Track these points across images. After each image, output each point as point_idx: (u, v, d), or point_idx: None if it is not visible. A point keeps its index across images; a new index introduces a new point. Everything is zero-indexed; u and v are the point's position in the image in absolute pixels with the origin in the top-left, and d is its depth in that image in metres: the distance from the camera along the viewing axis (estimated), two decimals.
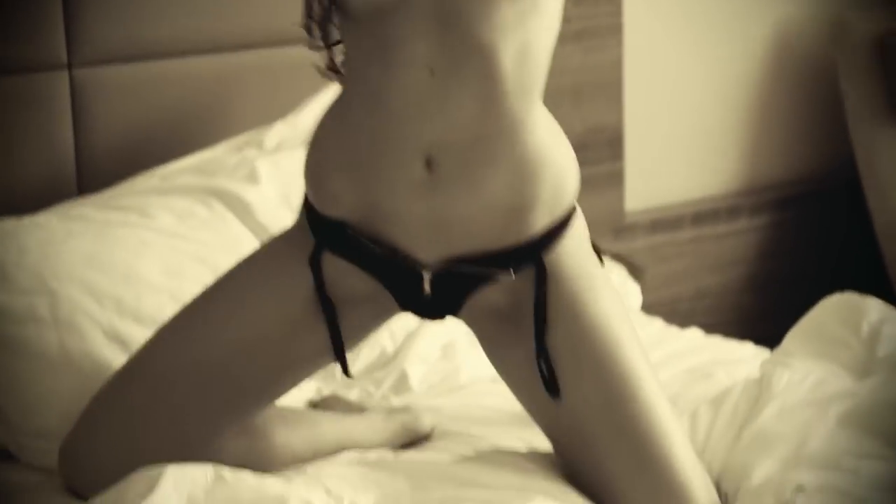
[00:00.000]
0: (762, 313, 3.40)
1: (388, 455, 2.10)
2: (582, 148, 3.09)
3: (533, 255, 1.88)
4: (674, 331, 2.71)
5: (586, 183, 3.15)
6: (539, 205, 1.87)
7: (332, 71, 1.93)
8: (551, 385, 1.89)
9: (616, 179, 3.16)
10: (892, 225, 3.26)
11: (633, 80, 3.22)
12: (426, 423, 2.20)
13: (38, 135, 2.58)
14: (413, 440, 2.19)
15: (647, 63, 3.26)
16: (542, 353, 1.88)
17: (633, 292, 2.84)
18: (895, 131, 3.27)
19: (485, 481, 1.91)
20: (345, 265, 1.93)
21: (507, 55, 1.79)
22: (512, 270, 1.88)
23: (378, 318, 2.00)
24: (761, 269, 3.40)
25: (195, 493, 1.80)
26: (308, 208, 1.96)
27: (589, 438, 1.89)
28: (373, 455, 2.10)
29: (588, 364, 1.88)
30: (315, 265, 1.92)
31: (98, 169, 2.63)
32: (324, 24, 1.88)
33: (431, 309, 1.95)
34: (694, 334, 2.71)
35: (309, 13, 1.90)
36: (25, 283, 2.22)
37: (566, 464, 1.95)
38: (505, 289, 1.91)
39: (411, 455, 2.12)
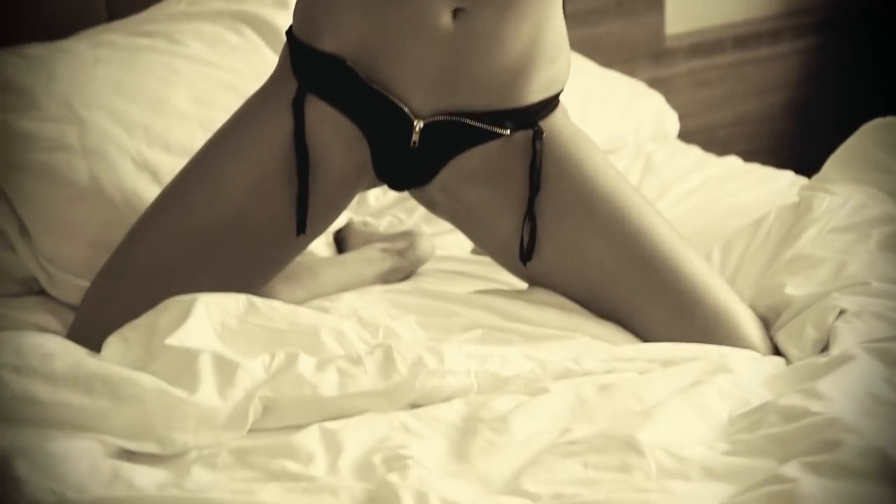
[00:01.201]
0: (803, 140, 3.37)
1: (411, 286, 2.09)
2: None
3: (529, 119, 1.89)
4: (711, 158, 2.68)
5: (625, 6, 3.14)
6: (542, 71, 1.88)
7: None
8: (528, 251, 1.90)
9: (656, 2, 3.11)
10: None
11: None
12: (425, 247, 2.18)
13: None
14: (413, 267, 2.18)
15: None
16: (532, 217, 1.87)
17: (670, 119, 2.80)
18: None
19: (526, 316, 1.90)
20: (328, 111, 1.88)
21: None
22: (509, 129, 1.88)
23: (348, 187, 1.94)
24: (804, 94, 3.36)
25: (228, 321, 1.80)
26: (294, 45, 1.91)
27: (607, 286, 1.89)
28: (404, 286, 2.09)
29: (586, 212, 1.90)
30: (298, 109, 1.88)
31: None
32: None
33: (409, 169, 1.91)
34: (732, 162, 2.68)
35: None
36: (54, 111, 2.21)
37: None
38: (492, 152, 1.90)
39: (438, 286, 2.11)
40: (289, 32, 1.94)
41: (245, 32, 2.45)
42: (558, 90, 1.93)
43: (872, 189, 2.13)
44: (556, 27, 1.89)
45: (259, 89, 1.97)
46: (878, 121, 2.23)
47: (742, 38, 3.27)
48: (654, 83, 3.06)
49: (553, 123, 1.92)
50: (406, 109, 1.87)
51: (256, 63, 2.40)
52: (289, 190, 1.89)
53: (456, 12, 1.81)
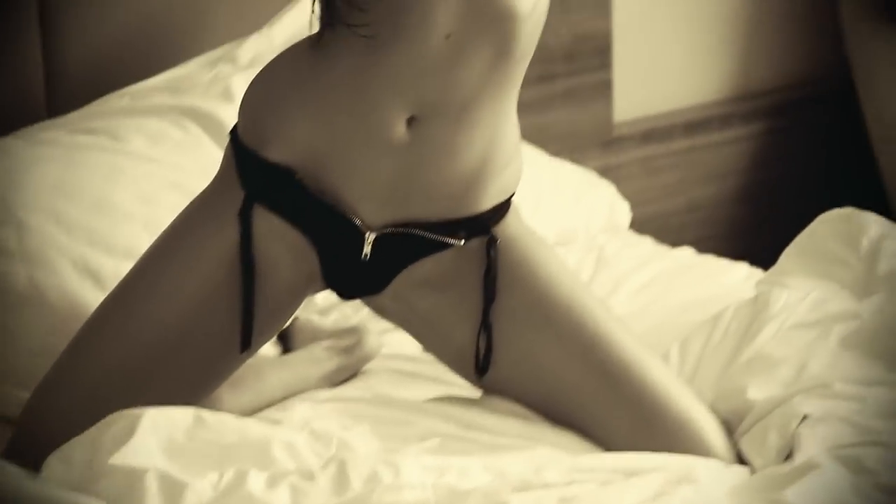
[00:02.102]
0: (757, 226, 3.36)
1: (366, 394, 2.04)
2: (568, 58, 3.03)
3: (483, 226, 1.86)
4: (664, 250, 2.65)
5: (573, 94, 3.13)
6: (496, 177, 1.84)
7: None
8: (484, 362, 1.87)
9: (604, 89, 3.10)
10: (888, 132, 3.20)
11: None
12: (372, 344, 2.16)
13: (4, 51, 2.50)
14: (360, 364, 2.15)
15: None
16: (487, 326, 1.85)
17: (622, 209, 2.78)
18: (892, 33, 3.19)
19: (484, 424, 1.86)
20: (276, 222, 1.83)
21: (526, 15, 1.75)
22: (463, 239, 1.85)
23: (295, 296, 1.89)
24: (755, 179, 3.35)
25: (175, 436, 1.74)
26: (240, 151, 1.85)
27: (566, 395, 1.86)
28: (353, 392, 2.05)
29: (542, 321, 1.86)
30: (244, 220, 1.82)
31: (68, 87, 2.54)
32: None
33: (360, 279, 1.87)
34: (686, 254, 2.65)
35: None
36: None
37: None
38: (446, 260, 1.87)
39: (391, 389, 2.06)
40: (233, 135, 1.88)
41: (189, 127, 2.41)
42: (511, 193, 1.90)
43: (831, 283, 2.10)
44: (510, 133, 1.85)
45: (203, 194, 1.92)
46: (833, 212, 2.20)
47: (692, 124, 3.26)
48: (604, 171, 3.04)
49: (506, 229, 1.88)
50: (357, 222, 1.82)
51: (201, 158, 2.36)
52: (235, 302, 1.84)
53: (410, 121, 1.77)
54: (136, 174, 2.29)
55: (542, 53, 3.00)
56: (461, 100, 1.76)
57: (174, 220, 1.92)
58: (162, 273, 1.84)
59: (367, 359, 2.16)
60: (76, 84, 2.54)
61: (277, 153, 1.81)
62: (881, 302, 2.01)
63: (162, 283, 1.84)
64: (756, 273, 2.48)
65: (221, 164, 1.90)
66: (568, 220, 2.69)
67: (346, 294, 1.91)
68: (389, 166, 1.78)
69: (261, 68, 1.89)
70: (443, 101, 1.75)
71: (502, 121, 1.82)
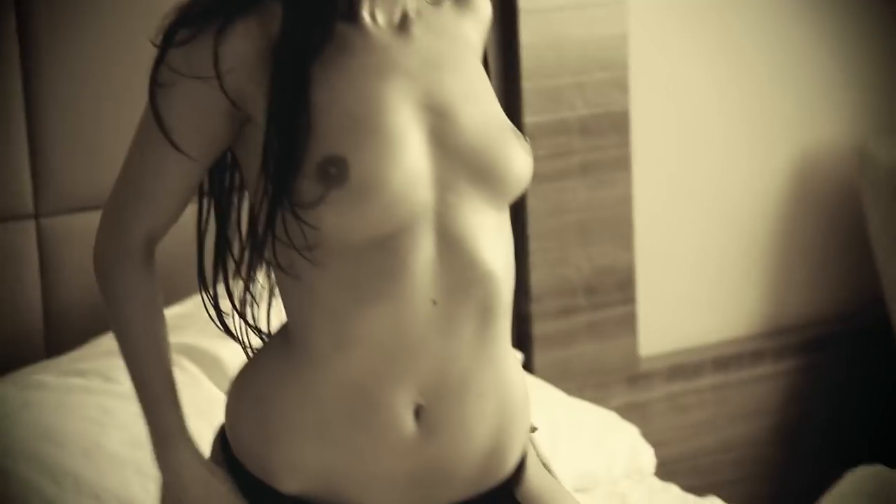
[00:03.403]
0: (791, 467, 3.22)
1: None
2: (590, 291, 2.94)
3: (507, 492, 1.73)
4: (691, 499, 2.51)
5: (595, 328, 3.04)
6: (516, 442, 1.73)
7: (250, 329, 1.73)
8: None
9: (628, 324, 3.00)
10: None
11: (644, 217, 3.07)
12: None
13: (4, 289, 2.48)
14: None
15: (659, 197, 3.11)
16: None
17: (645, 453, 2.65)
18: None
19: None
20: None
21: (502, 272, 1.66)
22: None
23: None
24: (789, 418, 3.24)
25: None
26: (245, 478, 1.69)
27: None
28: None
29: None
30: None
31: (67, 325, 2.52)
32: (249, 272, 1.68)
33: None
34: None
35: (220, 265, 1.72)
36: None
37: None
38: None
39: None
40: (230, 460, 1.71)
41: (186, 366, 2.36)
42: (525, 446, 1.77)
43: None
44: (515, 385, 1.73)
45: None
46: (863, 470, 2.13)
47: (722, 360, 3.15)
48: (629, 408, 2.92)
49: (528, 486, 1.75)
50: None
51: (197, 397, 2.27)
52: None
53: (417, 413, 1.65)
54: (127, 417, 2.21)
55: (563, 286, 2.94)
56: (460, 372, 1.65)
57: None
58: None
59: None
60: (75, 323, 2.50)
61: (291, 484, 1.66)
62: None
63: None
64: None
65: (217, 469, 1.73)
66: (588, 464, 2.56)
67: None
68: (406, 464, 1.65)
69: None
70: (443, 380, 1.64)
71: (504, 377, 1.71)
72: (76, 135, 2.49)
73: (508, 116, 2.79)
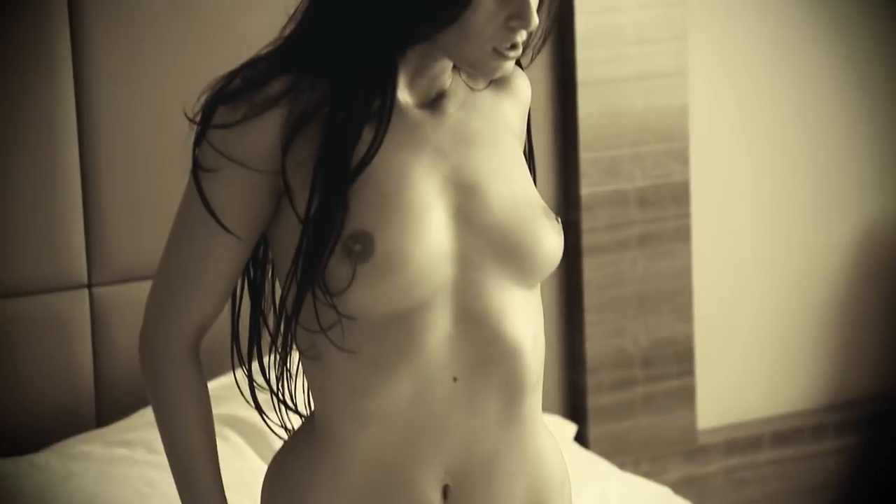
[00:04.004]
0: None
1: None
2: (647, 363, 2.91)
3: None
4: None
5: (653, 401, 3.00)
6: None
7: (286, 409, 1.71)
8: None
9: (686, 396, 2.96)
10: None
11: (704, 288, 3.03)
12: None
13: (57, 358, 2.51)
14: None
15: (719, 269, 3.07)
16: None
17: None
18: None
19: None
20: None
21: (529, 350, 1.64)
22: None
23: None
24: (850, 495, 3.17)
25: None
26: None
27: None
28: None
29: None
30: None
31: (118, 394, 2.54)
32: (284, 350, 1.65)
33: None
34: None
35: (255, 340, 1.70)
36: None
37: None
38: None
39: None
40: None
41: (229, 437, 2.37)
42: None
43: None
44: (553, 473, 1.69)
45: None
46: None
47: (782, 434, 3.10)
48: (686, 483, 2.88)
49: None
50: None
51: (241, 469, 2.30)
52: None
53: (445, 492, 1.63)
54: (170, 488, 2.20)
55: (620, 358, 2.91)
56: (486, 450, 1.63)
57: None
58: None
59: None
60: (125, 393, 2.52)
61: None
62: None
63: None
64: None
65: None
66: None
67: None
68: None
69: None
70: (469, 458, 1.62)
71: (536, 456, 1.68)
72: (130, 204, 2.51)
73: (565, 188, 2.84)
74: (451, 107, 1.66)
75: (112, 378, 2.53)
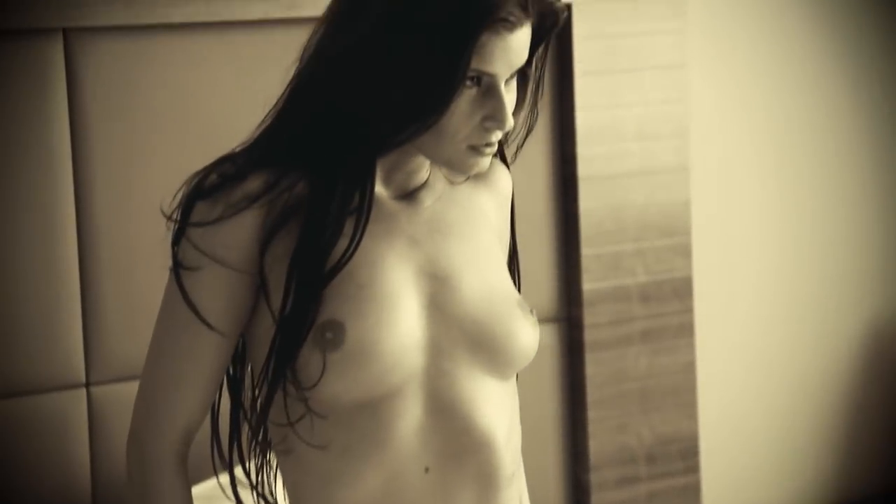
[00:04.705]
0: None
1: None
2: (651, 460, 2.88)
3: None
4: None
5: (657, 498, 2.97)
6: None
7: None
8: None
9: (692, 493, 2.93)
10: None
11: (708, 384, 3.01)
12: None
13: (54, 458, 2.50)
14: None
15: (723, 364, 3.06)
16: None
17: None
18: None
19: None
20: None
21: (503, 441, 1.62)
22: None
23: None
24: None
25: None
26: None
27: None
28: None
29: None
30: None
31: (115, 493, 2.52)
32: (263, 445, 1.64)
33: None
34: None
35: (235, 436, 1.67)
36: None
37: None
38: None
39: None
40: None
41: None
42: None
43: None
44: None
45: None
46: None
47: None
48: None
49: None
50: None
51: None
52: None
53: None
54: None
55: (623, 455, 2.88)
56: None
57: None
58: None
59: None
60: (122, 491, 2.49)
61: None
62: None
63: None
64: None
65: None
66: None
67: None
68: None
69: None
70: None
71: None
72: (128, 303, 2.51)
73: (567, 283, 2.82)
74: (428, 199, 1.66)
75: (109, 477, 2.51)
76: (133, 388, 2.49)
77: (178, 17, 2.46)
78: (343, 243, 1.58)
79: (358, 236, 1.57)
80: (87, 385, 2.50)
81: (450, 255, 1.63)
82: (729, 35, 3.03)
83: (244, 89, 2.54)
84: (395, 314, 1.57)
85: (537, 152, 2.74)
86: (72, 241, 2.47)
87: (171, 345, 1.62)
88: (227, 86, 2.54)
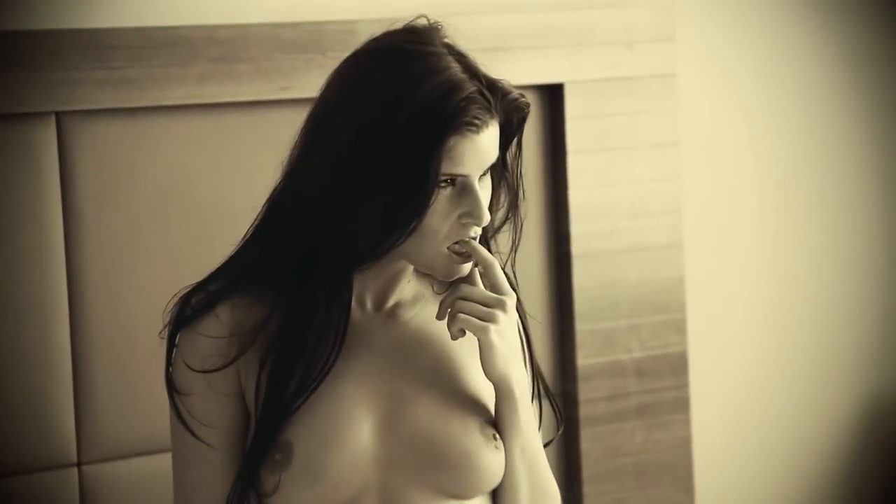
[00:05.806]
0: None
1: None
2: None
3: None
4: None
5: None
6: None
7: None
8: None
9: None
10: None
11: (704, 459, 3.01)
12: None
13: None
14: None
15: (720, 440, 3.05)
16: None
17: None
18: None
19: None
20: None
21: None
22: None
23: None
24: None
25: None
26: None
27: None
28: None
29: None
30: None
31: None
32: None
33: None
34: None
35: None
36: None
37: None
38: None
39: None
40: None
41: None
42: None
43: None
44: None
45: None
46: None
47: None
48: None
49: None
50: None
51: None
52: None
53: None
54: None
55: None
56: None
57: None
58: None
59: None
60: None
61: None
62: None
63: None
64: None
65: None
66: None
67: None
68: None
69: None
70: None
71: None
72: (119, 383, 2.51)
73: (562, 359, 2.82)
74: (408, 314, 1.67)
75: None
76: (125, 466, 2.51)
77: (170, 99, 2.48)
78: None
79: (328, 368, 1.60)
80: (79, 464, 2.50)
81: (414, 372, 1.65)
82: (722, 113, 3.03)
83: (237, 170, 2.55)
84: (344, 433, 1.59)
85: (532, 231, 2.75)
86: (64, 321, 2.48)
87: (185, 466, 1.68)
88: (221, 167, 2.55)
